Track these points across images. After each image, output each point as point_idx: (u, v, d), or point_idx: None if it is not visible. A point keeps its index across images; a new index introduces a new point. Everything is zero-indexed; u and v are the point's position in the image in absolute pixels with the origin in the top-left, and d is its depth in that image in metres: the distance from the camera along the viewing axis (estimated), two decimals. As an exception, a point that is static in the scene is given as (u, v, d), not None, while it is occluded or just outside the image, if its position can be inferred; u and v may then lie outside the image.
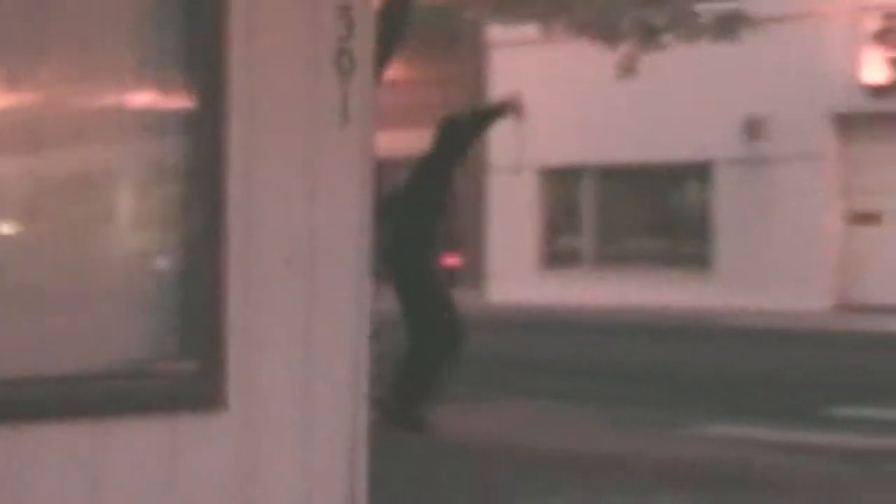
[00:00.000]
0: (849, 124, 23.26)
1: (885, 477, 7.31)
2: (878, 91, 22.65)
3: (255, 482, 4.49)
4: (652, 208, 25.51)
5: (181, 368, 4.42)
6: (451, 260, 20.32)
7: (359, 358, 4.73)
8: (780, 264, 23.03)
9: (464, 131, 8.46)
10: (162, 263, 4.52)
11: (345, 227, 4.71)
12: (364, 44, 4.70)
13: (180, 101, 4.45)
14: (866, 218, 23.48)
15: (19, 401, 4.07)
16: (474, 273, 25.56)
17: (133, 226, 4.50)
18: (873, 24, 22.59)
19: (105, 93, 4.39)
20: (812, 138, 23.19)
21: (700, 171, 24.42)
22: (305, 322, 4.61)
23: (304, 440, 4.61)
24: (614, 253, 25.55)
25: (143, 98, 4.48)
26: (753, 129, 23.43)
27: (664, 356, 11.52)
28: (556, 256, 26.27)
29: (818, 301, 22.65)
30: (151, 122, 4.46)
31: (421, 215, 8.22)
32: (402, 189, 8.42)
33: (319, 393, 4.63)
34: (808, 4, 23.11)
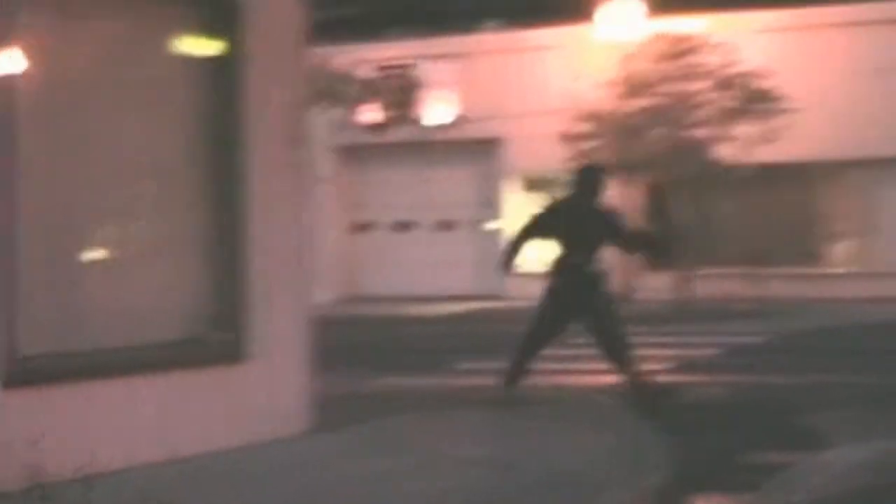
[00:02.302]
0: (350, 154, 28.64)
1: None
2: (373, 128, 28.14)
3: (267, 401, 8.61)
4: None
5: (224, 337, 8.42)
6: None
7: (305, 330, 8.96)
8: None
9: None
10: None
11: (292, 237, 8.86)
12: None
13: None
14: (362, 227, 29.01)
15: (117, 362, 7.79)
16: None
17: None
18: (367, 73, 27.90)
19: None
20: (320, 165, 28.22)
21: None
22: (289, 305, 8.76)
23: (280, 376, 8.76)
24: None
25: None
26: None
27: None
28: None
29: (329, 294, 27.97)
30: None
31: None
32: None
33: (289, 350, 8.78)
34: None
